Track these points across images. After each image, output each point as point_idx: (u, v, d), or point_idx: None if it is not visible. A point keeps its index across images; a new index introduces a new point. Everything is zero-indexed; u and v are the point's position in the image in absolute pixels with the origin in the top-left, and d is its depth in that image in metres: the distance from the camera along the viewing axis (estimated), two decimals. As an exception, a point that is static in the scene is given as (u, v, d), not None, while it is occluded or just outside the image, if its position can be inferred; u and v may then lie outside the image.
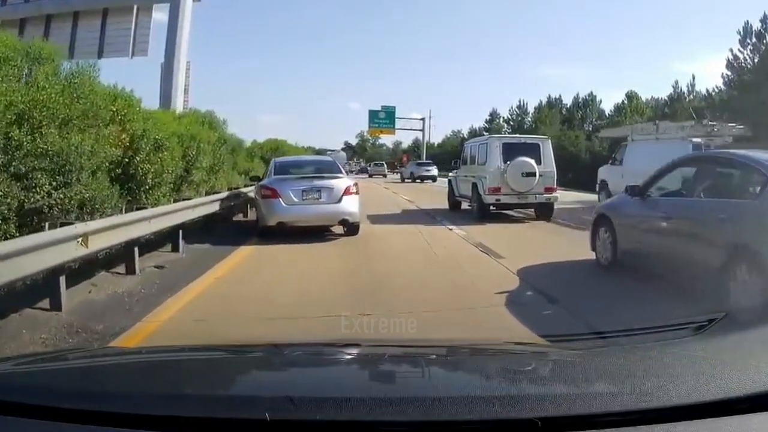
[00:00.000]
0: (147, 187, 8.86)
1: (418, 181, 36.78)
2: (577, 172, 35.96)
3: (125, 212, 7.48)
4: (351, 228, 10.16)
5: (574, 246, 8.38)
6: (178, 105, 19.87)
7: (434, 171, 38.41)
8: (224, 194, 12.01)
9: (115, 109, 8.15)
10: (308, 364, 1.85)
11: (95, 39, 20.80)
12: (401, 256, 8.59)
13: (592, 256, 7.29)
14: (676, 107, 27.69)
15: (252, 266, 7.93)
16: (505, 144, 13.07)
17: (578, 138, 41.87)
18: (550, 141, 13.65)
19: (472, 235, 10.25)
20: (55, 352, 2.09)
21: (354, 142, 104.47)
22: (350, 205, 10.02)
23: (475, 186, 13.16)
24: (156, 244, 8.80)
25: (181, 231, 8.92)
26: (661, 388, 1.30)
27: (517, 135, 21.11)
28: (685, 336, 2.27)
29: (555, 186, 12.97)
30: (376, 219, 12.58)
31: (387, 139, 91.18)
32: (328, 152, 58.23)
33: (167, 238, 8.98)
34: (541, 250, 8.63)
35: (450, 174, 16.37)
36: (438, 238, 10.17)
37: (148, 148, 8.82)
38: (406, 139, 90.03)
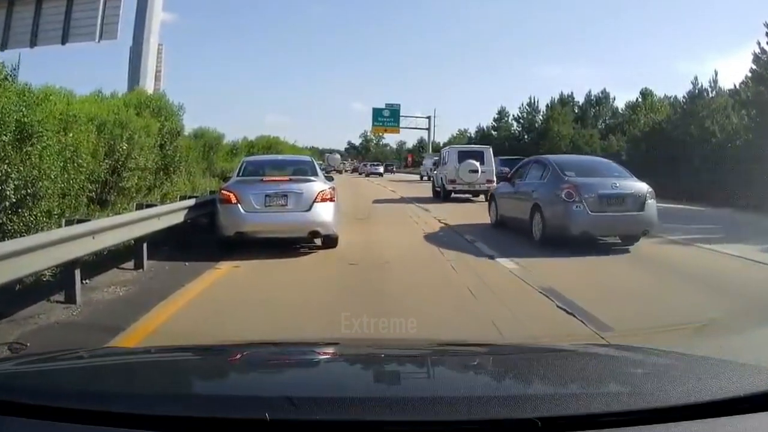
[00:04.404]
0: (9, 203, 5.64)
1: (372, 176, 52.01)
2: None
3: None
4: (326, 240, 8.66)
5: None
6: (149, 92, 18.31)
7: (380, 169, 56.90)
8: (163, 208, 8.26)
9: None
10: (308, 364, 1.85)
11: (59, 23, 18.87)
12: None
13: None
14: (697, 104, 27.06)
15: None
16: (460, 151, 20.48)
17: (593, 137, 41.43)
18: (491, 148, 20.98)
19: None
20: (55, 352, 2.07)
21: (357, 142, 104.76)
22: (323, 214, 8.41)
23: (442, 179, 20.13)
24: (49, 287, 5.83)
25: (78, 272, 5.67)
26: (661, 388, 1.30)
27: (470, 145, 32.38)
28: (685, 336, 2.27)
29: (494, 179, 18.34)
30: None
31: (391, 139, 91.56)
32: (326, 153, 59.85)
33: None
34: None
35: (434, 172, 23.88)
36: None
37: (5, 138, 5.63)
38: (410, 139, 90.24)
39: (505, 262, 7.52)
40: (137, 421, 1.16)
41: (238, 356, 1.92)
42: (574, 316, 4.99)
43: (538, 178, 9.88)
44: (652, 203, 8.91)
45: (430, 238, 10.05)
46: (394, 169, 65.24)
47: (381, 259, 7.83)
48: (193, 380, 1.68)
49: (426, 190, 23.80)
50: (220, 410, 1.19)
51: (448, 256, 8.12)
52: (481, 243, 9.24)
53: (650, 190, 9.04)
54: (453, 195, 19.58)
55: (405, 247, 9.04)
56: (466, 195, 19.66)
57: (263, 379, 1.69)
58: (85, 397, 1.28)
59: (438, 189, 21.00)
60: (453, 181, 19.14)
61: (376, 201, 19.24)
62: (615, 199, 8.78)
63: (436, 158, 36.69)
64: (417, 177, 44.59)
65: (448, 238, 10.05)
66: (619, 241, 9.12)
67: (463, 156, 19.50)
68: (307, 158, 11.69)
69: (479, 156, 19.50)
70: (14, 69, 6.44)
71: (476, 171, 18.82)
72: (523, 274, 6.79)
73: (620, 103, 48.48)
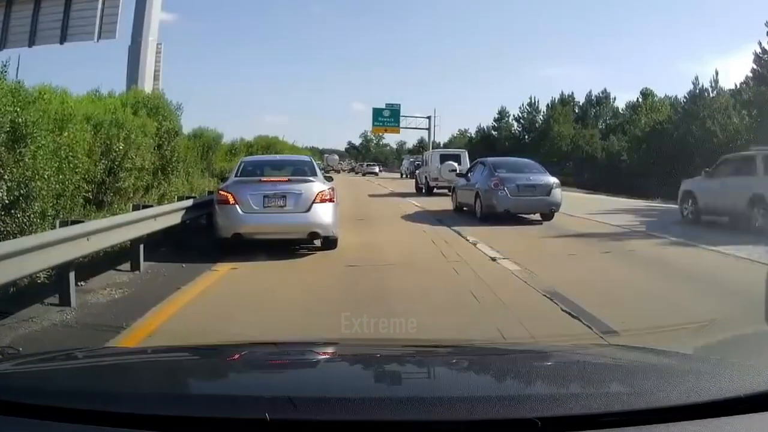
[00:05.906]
0: (2, 204, 5.52)
1: (368, 175, 57.57)
2: (593, 172, 35.19)
3: None
4: (326, 242, 8.54)
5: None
6: (147, 91, 18.01)
7: (376, 169, 63.18)
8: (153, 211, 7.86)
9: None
10: (308, 364, 1.85)
11: (58, 22, 18.76)
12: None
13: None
14: (698, 104, 26.98)
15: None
16: (441, 154, 25.07)
17: (593, 137, 41.28)
18: (466, 152, 25.98)
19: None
20: (55, 352, 2.07)
21: (357, 142, 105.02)
22: (323, 215, 8.24)
23: (425, 177, 24.76)
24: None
25: (72, 274, 5.59)
26: (661, 388, 1.30)
27: (448, 149, 38.14)
28: (685, 336, 2.26)
29: None
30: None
31: (390, 139, 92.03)
32: (326, 154, 60.73)
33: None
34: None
35: (417, 171, 29.01)
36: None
37: None
38: (410, 139, 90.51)
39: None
40: (137, 421, 1.16)
41: (238, 356, 1.92)
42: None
43: (480, 174, 13.83)
44: (557, 191, 12.85)
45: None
46: (382, 168, 77.01)
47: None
48: (193, 380, 1.68)
49: (410, 186, 28.89)
50: (220, 410, 1.19)
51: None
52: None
53: (557, 181, 13.10)
54: (435, 191, 23.86)
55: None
56: (445, 190, 22.98)
57: (263, 379, 1.69)
58: (85, 397, 1.28)
59: (421, 186, 25.78)
60: (435, 179, 23.64)
61: (372, 195, 23.95)
62: (528, 187, 12.84)
63: (412, 159, 48.92)
64: (398, 175, 53.41)
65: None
66: (539, 216, 13.04)
67: (443, 158, 24.11)
68: (307, 158, 11.38)
69: (457, 158, 24.24)
70: (4, 66, 6.22)
71: (455, 170, 22.58)
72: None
73: (621, 103, 48.39)
